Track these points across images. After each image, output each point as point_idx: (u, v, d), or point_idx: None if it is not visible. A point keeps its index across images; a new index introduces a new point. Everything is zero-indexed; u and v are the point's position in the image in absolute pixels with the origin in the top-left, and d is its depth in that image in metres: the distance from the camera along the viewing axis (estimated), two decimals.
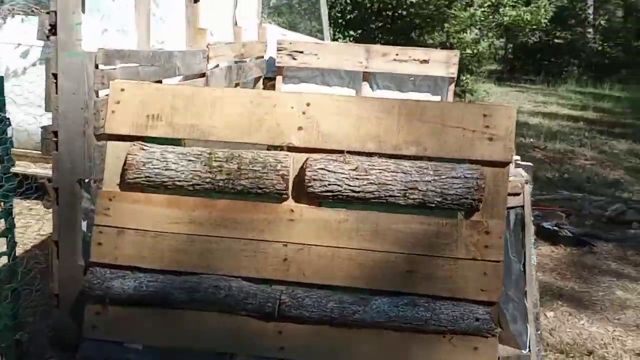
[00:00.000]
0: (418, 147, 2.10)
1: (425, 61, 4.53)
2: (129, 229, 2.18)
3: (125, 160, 2.17)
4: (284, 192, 2.12)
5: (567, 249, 5.37)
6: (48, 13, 2.13)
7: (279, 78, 4.76)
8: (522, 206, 2.29)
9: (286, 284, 2.12)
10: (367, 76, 4.70)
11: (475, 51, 10.60)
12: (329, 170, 2.08)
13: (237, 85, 3.97)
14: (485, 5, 12.44)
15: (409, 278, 2.08)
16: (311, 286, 2.11)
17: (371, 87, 4.77)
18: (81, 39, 2.14)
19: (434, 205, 2.07)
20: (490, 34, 12.98)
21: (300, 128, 2.15)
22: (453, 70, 4.57)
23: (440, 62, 4.55)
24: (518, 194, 2.26)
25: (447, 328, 2.03)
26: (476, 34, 11.33)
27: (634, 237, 5.78)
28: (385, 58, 4.55)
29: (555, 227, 5.56)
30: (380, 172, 2.07)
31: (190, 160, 2.14)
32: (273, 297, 2.09)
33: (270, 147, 2.21)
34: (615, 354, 3.73)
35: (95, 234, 2.20)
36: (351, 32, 9.55)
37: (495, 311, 2.06)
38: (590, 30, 21.45)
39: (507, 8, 12.78)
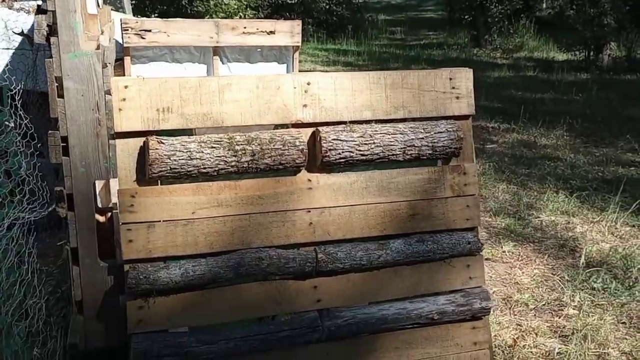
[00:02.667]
0: (404, 110, 2.49)
1: (272, 32, 4.81)
2: (158, 221, 2.24)
3: (145, 155, 2.20)
4: (302, 165, 2.36)
5: None
6: (41, 13, 2.02)
7: (127, 59, 4.65)
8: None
9: (314, 245, 2.39)
10: (218, 51, 4.84)
11: (244, 16, 11.00)
12: (341, 140, 2.37)
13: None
14: None
15: (414, 220, 2.49)
16: (335, 242, 2.41)
17: (221, 60, 4.91)
18: (80, 39, 2.08)
19: (426, 157, 2.49)
20: None
21: (305, 105, 2.39)
22: (297, 39, 4.92)
23: (285, 32, 4.86)
24: None
25: (448, 254, 2.50)
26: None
27: None
28: (235, 32, 4.72)
29: None
30: (383, 136, 2.42)
31: (213, 147, 2.26)
32: (311, 257, 2.35)
33: (277, 126, 2.42)
34: None
35: (124, 232, 2.21)
36: None
37: (477, 233, 2.58)
38: None
39: None
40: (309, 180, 2.39)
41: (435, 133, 2.49)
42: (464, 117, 2.58)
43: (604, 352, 3.44)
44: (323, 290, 2.40)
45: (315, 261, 2.35)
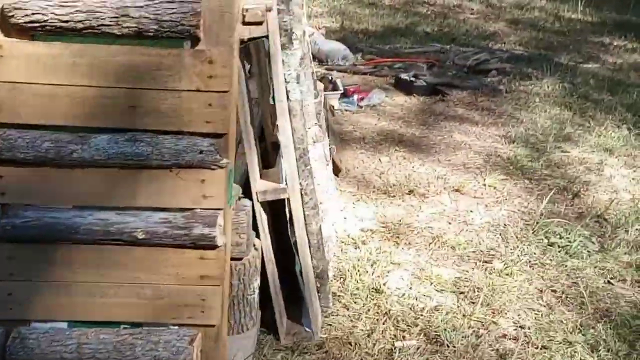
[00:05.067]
0: None
1: None
2: None
3: None
4: None
5: (420, 98, 5.40)
6: None
7: None
8: (267, 36, 2.16)
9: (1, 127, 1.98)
10: None
11: None
12: None
13: None
14: None
15: (132, 113, 1.96)
16: (29, 127, 1.98)
17: None
18: None
19: (151, 34, 1.92)
20: None
21: None
22: None
23: None
24: (260, 23, 2.12)
25: (170, 162, 1.96)
26: None
27: (490, 84, 5.85)
28: None
29: (412, 78, 5.55)
30: None
31: None
32: None
33: None
34: (435, 191, 3.84)
35: None
36: None
37: (224, 143, 1.99)
38: None
39: None
40: (0, 46, 1.95)
41: (161, 2, 1.89)
42: None
43: (491, 320, 2.70)
44: (9, 182, 2.00)
45: None
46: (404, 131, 4.70)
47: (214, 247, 2.01)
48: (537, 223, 3.46)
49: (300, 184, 2.46)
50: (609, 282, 2.99)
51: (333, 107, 4.91)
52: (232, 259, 2.23)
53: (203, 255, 2.03)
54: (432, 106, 5.23)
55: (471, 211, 3.62)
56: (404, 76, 5.54)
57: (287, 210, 2.42)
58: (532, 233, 3.36)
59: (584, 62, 6.98)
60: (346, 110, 4.97)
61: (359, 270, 2.98)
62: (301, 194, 2.48)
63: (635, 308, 2.82)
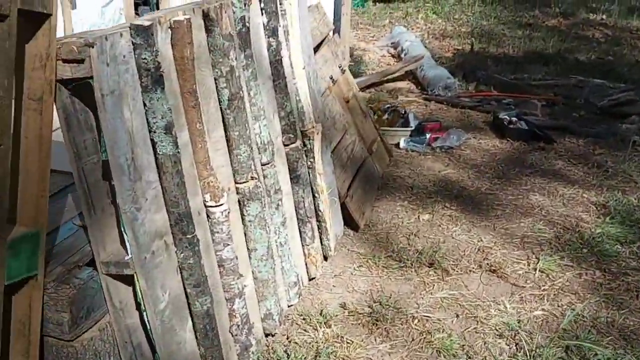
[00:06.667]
0: None
1: None
2: None
3: None
4: None
5: (514, 143, 4.49)
6: None
7: None
8: (92, 77, 1.65)
9: None
10: None
11: None
12: None
13: None
14: None
15: None
16: None
17: None
18: None
19: None
20: None
21: None
22: None
23: None
24: (80, 61, 1.62)
25: None
26: None
27: (623, 132, 4.72)
28: None
29: (513, 118, 4.65)
30: None
31: None
32: None
33: None
34: (464, 268, 3.04)
35: None
36: None
37: None
38: None
39: None
40: None
41: None
42: None
43: None
44: None
45: None
46: (469, 184, 3.87)
47: None
48: (574, 337, 2.53)
49: (176, 254, 1.94)
50: None
51: (396, 145, 4.23)
52: (51, 337, 1.81)
53: None
54: (526, 155, 4.30)
55: (496, 303, 2.78)
56: (501, 115, 4.65)
57: (137, 289, 1.89)
58: (558, 351, 2.45)
59: None
60: (412, 151, 4.24)
61: None
62: (179, 269, 1.96)
63: None
